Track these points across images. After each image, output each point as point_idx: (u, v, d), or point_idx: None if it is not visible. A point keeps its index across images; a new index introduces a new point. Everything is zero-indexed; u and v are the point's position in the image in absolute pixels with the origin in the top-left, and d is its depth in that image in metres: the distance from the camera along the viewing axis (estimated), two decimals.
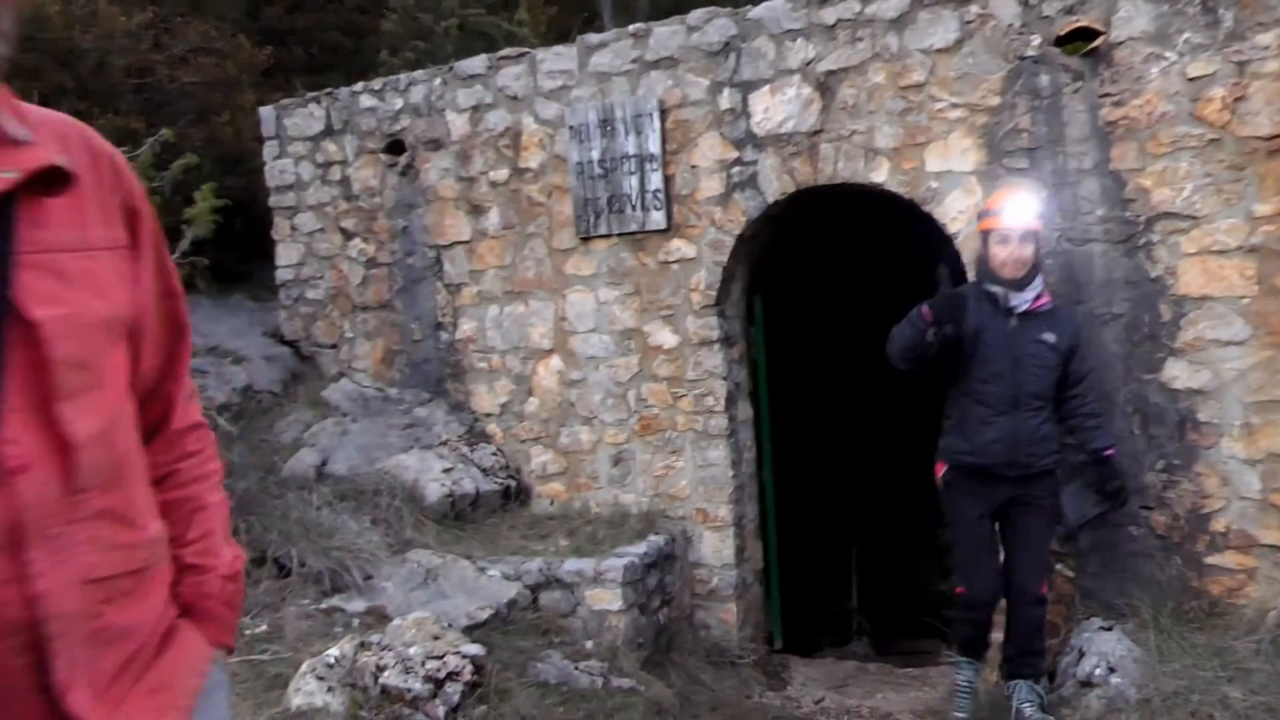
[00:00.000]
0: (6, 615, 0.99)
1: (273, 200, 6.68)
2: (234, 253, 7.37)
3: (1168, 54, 4.23)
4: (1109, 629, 4.02)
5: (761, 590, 5.65)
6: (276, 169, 6.65)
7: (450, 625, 3.85)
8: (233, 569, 1.32)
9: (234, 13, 9.05)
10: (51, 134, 1.10)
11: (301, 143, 6.52)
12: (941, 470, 3.96)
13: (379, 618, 4.02)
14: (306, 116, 6.49)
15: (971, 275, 4.62)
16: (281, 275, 6.68)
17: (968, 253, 4.64)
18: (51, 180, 1.04)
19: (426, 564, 4.56)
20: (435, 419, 5.74)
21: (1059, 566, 4.46)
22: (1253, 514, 4.11)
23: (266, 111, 6.75)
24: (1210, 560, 4.18)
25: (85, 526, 1.05)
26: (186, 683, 1.19)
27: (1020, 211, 3.83)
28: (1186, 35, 4.19)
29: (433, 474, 5.23)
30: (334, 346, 6.47)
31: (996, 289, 3.83)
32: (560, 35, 11.21)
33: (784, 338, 6.30)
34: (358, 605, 4.12)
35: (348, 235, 6.37)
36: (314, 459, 5.25)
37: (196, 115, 7.56)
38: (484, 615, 4.23)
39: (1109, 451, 3.89)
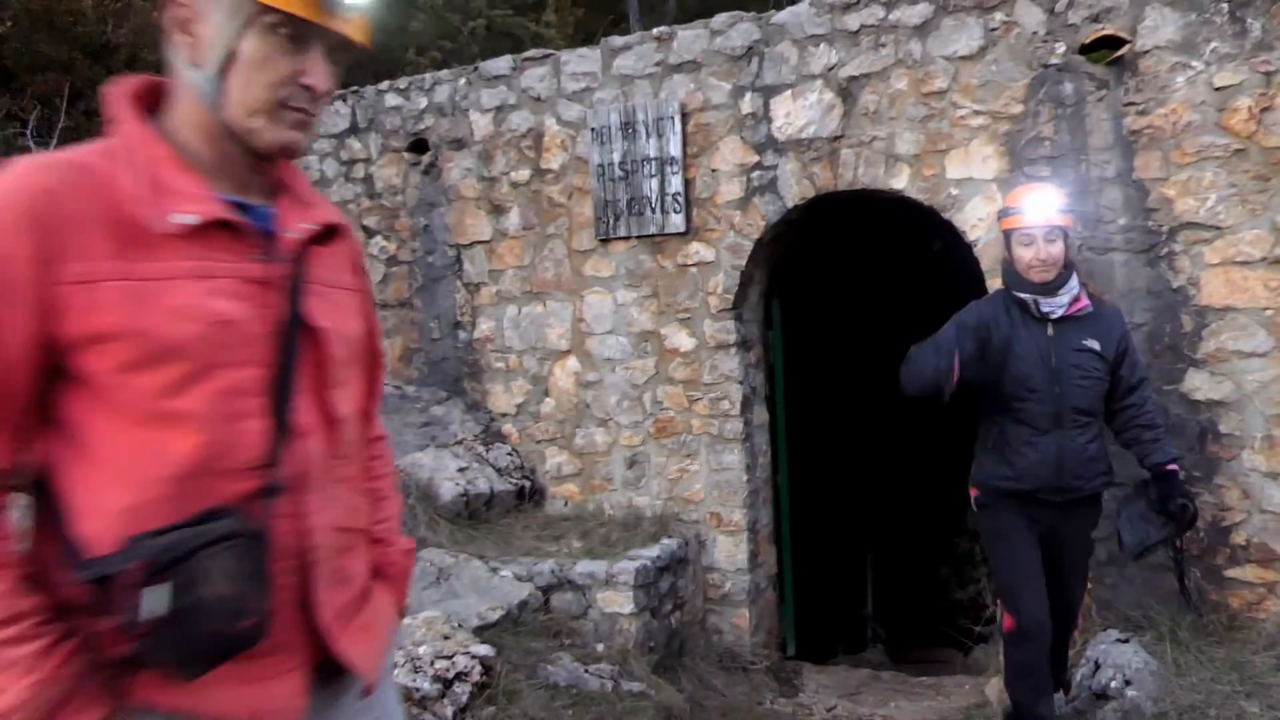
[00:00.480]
0: (286, 543, 1.28)
1: None
2: None
3: (1194, 63, 4.18)
4: (1126, 641, 3.97)
5: (775, 596, 5.64)
6: (302, 166, 6.71)
7: (461, 625, 3.87)
8: (408, 547, 1.61)
9: None
10: (318, 200, 1.44)
11: (326, 140, 6.58)
12: (975, 494, 3.59)
13: None
14: (332, 114, 6.54)
15: (995, 283, 4.59)
16: None
17: (987, 260, 4.61)
18: (328, 234, 1.41)
19: (439, 563, 4.58)
20: (452, 418, 5.77)
21: None
22: (1274, 528, 4.05)
23: None
24: (1230, 573, 4.13)
25: (338, 486, 1.38)
26: (385, 628, 1.48)
27: (1042, 207, 3.44)
28: (1214, 45, 4.14)
29: (448, 473, 5.26)
30: None
31: (1025, 295, 3.44)
32: (587, 37, 11.25)
33: (802, 341, 6.28)
34: None
35: (370, 233, 6.42)
36: None
37: None
38: (495, 616, 4.24)
39: (1171, 466, 3.49)
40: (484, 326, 5.97)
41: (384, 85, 6.37)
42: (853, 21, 4.86)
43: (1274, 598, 4.04)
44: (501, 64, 5.91)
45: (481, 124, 5.93)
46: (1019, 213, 3.47)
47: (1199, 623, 4.00)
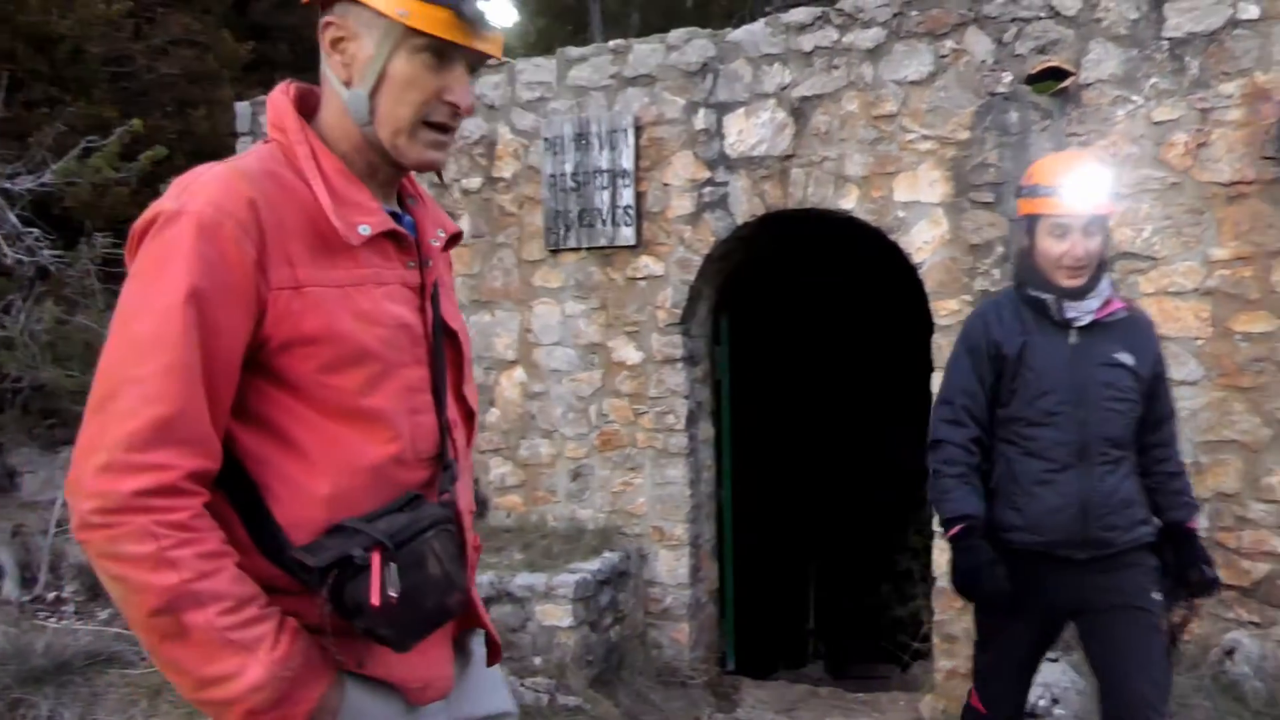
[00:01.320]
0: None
1: None
2: None
3: (1135, 97, 4.29)
4: (1054, 660, 4.04)
5: (716, 610, 5.65)
6: None
7: None
8: (477, 543, 1.63)
9: (219, 6, 9.02)
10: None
11: None
12: (956, 531, 2.64)
13: None
14: None
15: (941, 306, 4.66)
16: None
17: (931, 283, 4.67)
18: (453, 241, 1.53)
19: None
20: None
21: None
22: None
23: (242, 107, 6.70)
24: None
25: (468, 473, 1.51)
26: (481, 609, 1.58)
27: (1087, 190, 2.59)
28: (1154, 80, 4.26)
29: None
30: None
31: (1046, 296, 2.65)
32: (549, 46, 11.24)
33: (750, 356, 6.32)
34: None
35: None
36: None
37: (174, 107, 7.53)
38: None
39: (1191, 525, 2.77)
40: None
41: None
42: (807, 43, 4.91)
43: (1199, 620, 4.13)
44: None
45: None
46: (1053, 194, 2.60)
47: None
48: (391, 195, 1.44)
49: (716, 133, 5.12)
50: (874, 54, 4.78)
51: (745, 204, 5.07)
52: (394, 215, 1.39)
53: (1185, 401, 4.18)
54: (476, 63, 1.38)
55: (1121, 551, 2.62)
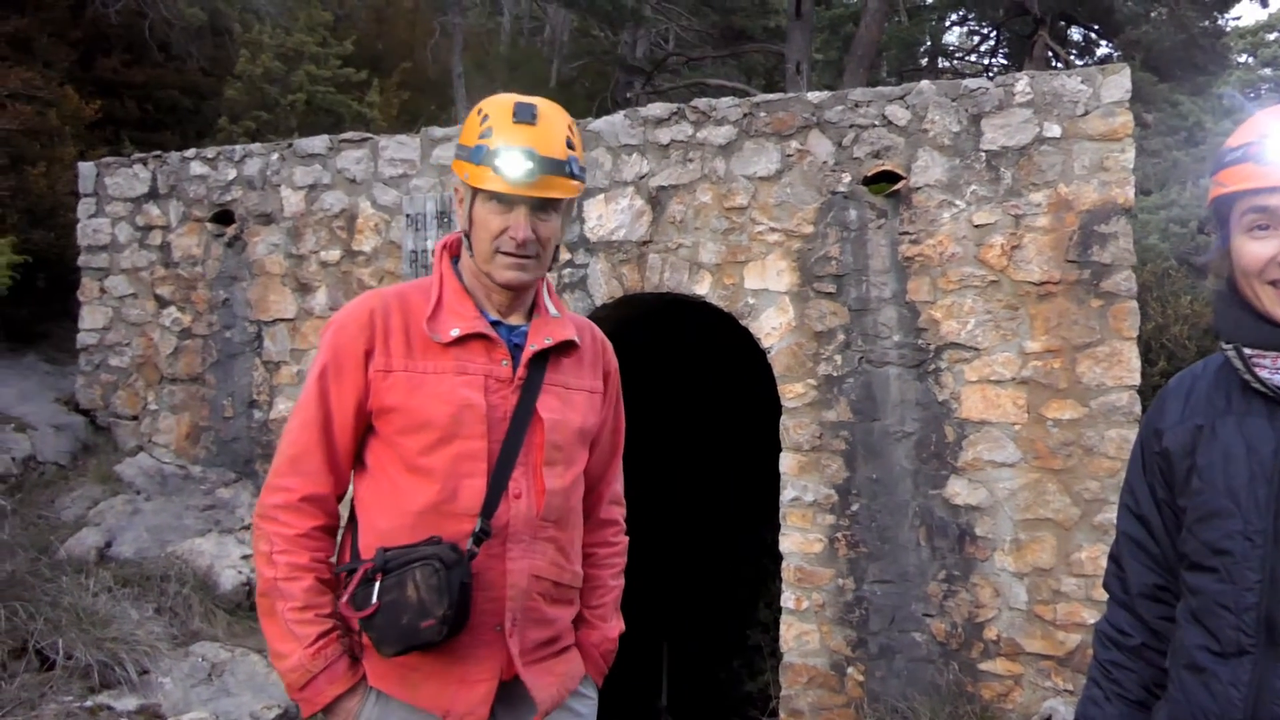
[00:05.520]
0: (488, 578, 1.71)
1: (83, 260, 6.34)
2: (34, 309, 6.91)
3: (958, 202, 4.70)
4: None
5: None
6: (90, 228, 6.33)
7: None
8: (609, 636, 1.96)
9: (64, 61, 8.66)
10: (569, 318, 1.89)
11: (122, 203, 6.25)
12: None
13: (152, 718, 3.74)
14: (130, 177, 6.24)
15: (788, 390, 4.89)
16: (84, 339, 6.30)
17: (780, 367, 4.92)
18: (568, 346, 1.85)
19: (212, 658, 4.29)
20: (240, 501, 5.48)
21: (849, 670, 4.67)
22: (1020, 624, 4.45)
23: (86, 168, 6.45)
24: (983, 666, 4.49)
25: (543, 543, 1.78)
26: (571, 679, 1.84)
27: None
28: (974, 187, 4.68)
29: (230, 560, 4.97)
30: (134, 418, 6.11)
31: (1261, 358, 1.47)
32: (411, 119, 11.28)
33: None
34: (129, 703, 3.82)
35: (162, 303, 6.10)
36: (97, 539, 4.89)
37: (9, 163, 7.14)
38: (271, 715, 4.00)
39: None
40: (281, 406, 5.75)
41: (190, 153, 6.16)
42: (664, 136, 5.17)
43: (1020, 689, 4.42)
44: (317, 143, 5.86)
45: (293, 201, 5.82)
46: (1250, 157, 1.46)
47: (956, 713, 4.30)
48: (517, 309, 1.82)
49: (577, 216, 5.28)
50: (726, 149, 5.07)
51: (604, 286, 5.23)
52: (498, 324, 1.79)
53: (1005, 483, 4.52)
54: (542, 203, 1.73)
55: None
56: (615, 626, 1.98)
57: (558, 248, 1.83)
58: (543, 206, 1.73)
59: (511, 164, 1.68)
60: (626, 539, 2.05)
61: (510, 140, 1.69)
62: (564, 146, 1.72)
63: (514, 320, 1.81)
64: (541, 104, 1.76)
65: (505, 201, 1.71)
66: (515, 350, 1.78)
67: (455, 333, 1.74)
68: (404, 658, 1.66)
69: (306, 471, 1.74)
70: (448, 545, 1.66)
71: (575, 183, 1.74)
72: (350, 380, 1.74)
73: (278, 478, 1.75)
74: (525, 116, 1.71)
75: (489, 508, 1.71)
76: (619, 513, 2.04)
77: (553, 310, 1.87)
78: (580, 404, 1.85)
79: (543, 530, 1.77)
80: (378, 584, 1.62)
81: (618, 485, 2.04)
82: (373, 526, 1.72)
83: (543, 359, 1.80)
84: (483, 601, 1.70)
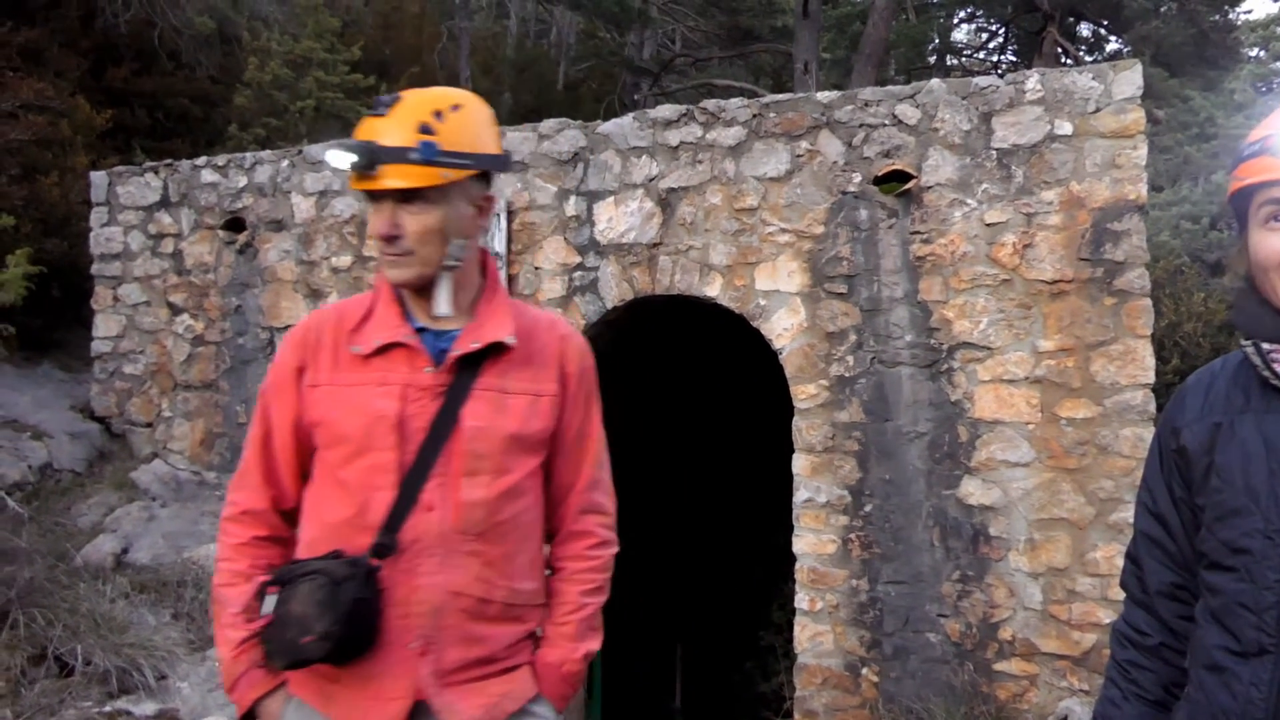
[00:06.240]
0: (399, 594, 1.64)
1: (96, 268, 6.38)
2: (48, 318, 6.95)
3: (969, 201, 4.69)
4: None
5: (584, 692, 5.61)
6: (103, 236, 6.37)
7: None
8: (571, 656, 1.80)
9: (75, 71, 8.72)
10: (519, 322, 1.77)
11: (134, 212, 6.29)
12: None
13: None
14: (142, 186, 6.28)
15: (800, 391, 4.89)
16: (98, 347, 6.34)
17: (791, 368, 4.91)
18: (501, 348, 1.73)
19: None
20: None
21: (864, 671, 4.66)
22: (1035, 624, 4.43)
23: (98, 177, 6.49)
24: (998, 667, 4.47)
25: (464, 557, 1.67)
26: (512, 699, 1.72)
27: None
28: (985, 186, 4.67)
29: None
30: (149, 425, 6.15)
31: (1254, 345, 1.49)
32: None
33: (620, 436, 6.41)
34: (147, 709, 3.84)
35: (175, 310, 6.13)
36: (113, 546, 4.92)
37: (22, 173, 7.19)
38: None
39: None
40: None
41: (201, 161, 6.19)
42: (673, 138, 5.17)
43: (1035, 689, 4.40)
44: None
45: (304, 207, 5.85)
46: (1269, 151, 1.45)
47: (971, 714, 4.29)
48: (463, 312, 1.74)
49: (587, 219, 5.28)
50: (735, 151, 5.06)
51: (615, 288, 5.23)
52: (424, 330, 1.73)
53: (1019, 483, 4.51)
54: (404, 194, 1.63)
55: None
56: (580, 647, 1.81)
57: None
58: (407, 199, 1.62)
59: (337, 158, 1.65)
60: (608, 553, 1.88)
61: (356, 135, 1.64)
62: (413, 132, 1.60)
63: (452, 324, 1.73)
64: (410, 94, 1.67)
65: (372, 199, 1.65)
66: (444, 356, 1.71)
67: (377, 343, 1.70)
68: (324, 669, 1.64)
69: (248, 486, 1.77)
70: (344, 560, 1.62)
71: (422, 169, 1.60)
72: (287, 397, 1.74)
73: (229, 492, 1.82)
74: (379, 109, 1.65)
75: (394, 521, 1.64)
76: (595, 523, 1.87)
77: (491, 312, 1.77)
78: (519, 409, 1.73)
79: (462, 544, 1.67)
80: (273, 597, 1.63)
81: (595, 495, 1.87)
82: (303, 538, 1.74)
83: (476, 363, 1.71)
84: (395, 618, 1.64)
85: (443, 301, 1.71)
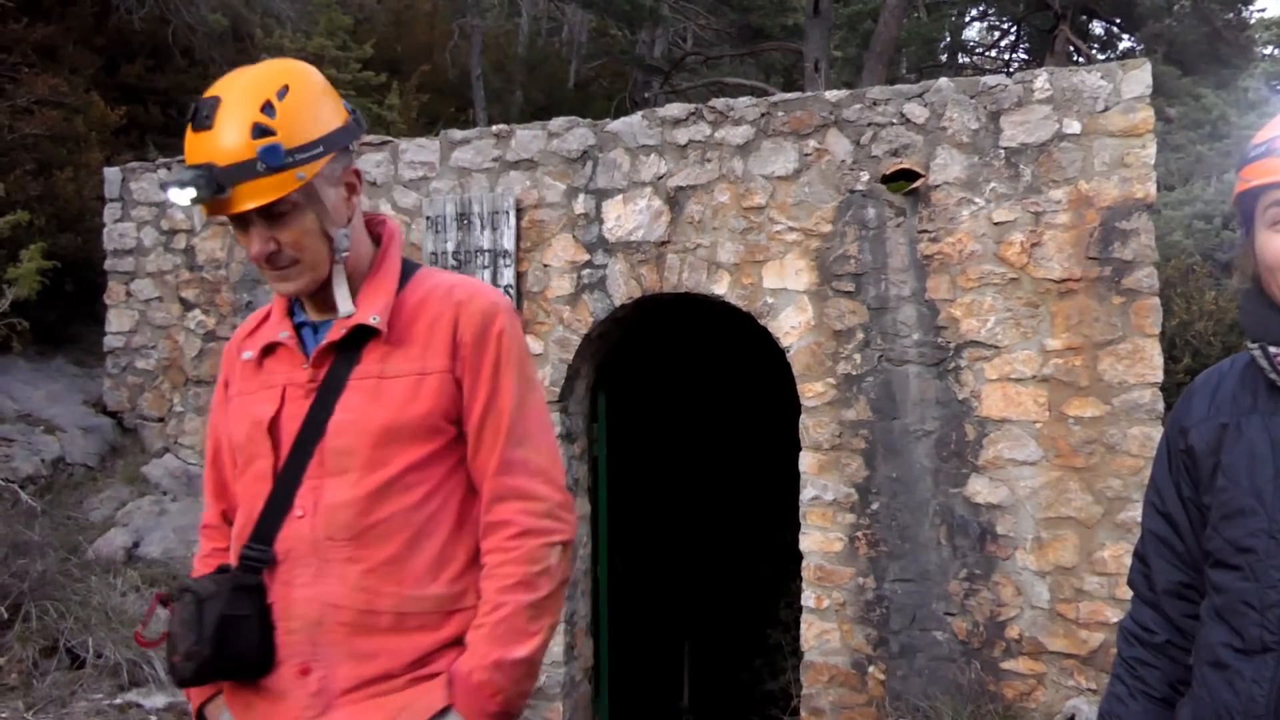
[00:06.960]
0: (281, 609, 1.54)
1: (109, 264, 6.43)
2: (61, 313, 7.01)
3: (977, 200, 4.69)
4: None
5: (591, 689, 5.63)
6: (116, 232, 6.42)
7: None
8: (483, 663, 1.53)
9: (89, 67, 8.78)
10: (410, 295, 1.62)
11: (147, 207, 6.33)
12: None
13: (180, 715, 3.80)
14: (155, 181, 6.32)
15: (807, 389, 4.89)
16: (111, 342, 6.39)
17: (799, 366, 4.92)
18: (370, 333, 1.58)
19: None
20: None
21: (870, 669, 4.67)
22: (1042, 622, 4.43)
23: (111, 173, 6.54)
24: (1005, 665, 4.47)
25: (340, 565, 1.53)
26: (414, 713, 1.52)
27: None
28: (993, 185, 4.66)
29: None
30: (161, 420, 6.19)
31: (1259, 347, 1.51)
32: (431, 122, 11.34)
33: (626, 435, 6.43)
34: (157, 701, 3.88)
35: (187, 306, 6.18)
36: (125, 540, 4.96)
37: (37, 169, 7.25)
38: None
39: None
40: None
41: None
42: (681, 136, 5.18)
43: (1043, 688, 4.40)
44: None
45: None
46: (1275, 152, 1.46)
47: (978, 712, 4.29)
48: (357, 291, 1.62)
49: (595, 217, 5.30)
50: (743, 149, 5.07)
51: (623, 286, 5.25)
52: (304, 325, 1.65)
53: (1026, 481, 4.51)
54: (261, 213, 1.49)
55: None
56: (492, 652, 1.53)
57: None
58: (272, 212, 1.47)
59: (179, 196, 1.44)
60: (533, 542, 1.58)
61: (187, 158, 1.46)
62: (248, 139, 1.42)
63: (336, 314, 1.60)
64: (226, 90, 1.47)
65: (234, 222, 1.51)
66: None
67: (260, 346, 1.66)
68: (236, 684, 1.58)
69: (206, 500, 1.78)
70: (212, 576, 1.58)
71: (273, 178, 1.43)
72: (220, 411, 1.73)
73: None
74: (201, 120, 1.44)
75: (265, 531, 1.55)
76: (514, 510, 1.60)
77: (361, 301, 1.62)
78: (397, 394, 1.55)
79: (335, 551, 1.52)
80: (162, 614, 1.62)
81: (512, 479, 1.60)
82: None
83: (352, 351, 1.57)
84: (283, 634, 1.54)
85: (343, 300, 1.58)
